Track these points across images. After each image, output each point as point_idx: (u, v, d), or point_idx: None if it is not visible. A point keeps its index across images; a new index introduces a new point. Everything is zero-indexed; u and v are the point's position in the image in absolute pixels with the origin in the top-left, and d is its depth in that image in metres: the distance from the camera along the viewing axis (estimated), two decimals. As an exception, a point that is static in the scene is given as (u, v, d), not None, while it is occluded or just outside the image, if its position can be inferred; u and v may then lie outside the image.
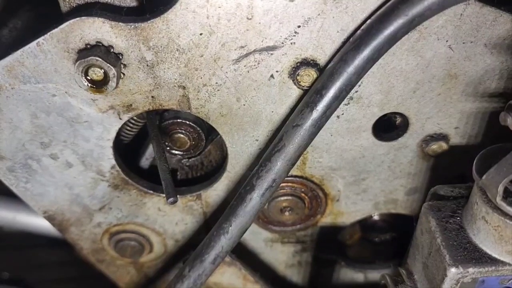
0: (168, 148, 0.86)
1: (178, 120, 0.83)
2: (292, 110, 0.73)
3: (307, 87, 0.71)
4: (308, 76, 0.70)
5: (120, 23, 0.65)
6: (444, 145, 0.80)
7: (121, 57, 0.68)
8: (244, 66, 0.70)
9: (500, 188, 0.58)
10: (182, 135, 0.84)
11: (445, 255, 0.64)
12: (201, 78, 0.71)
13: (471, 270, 0.63)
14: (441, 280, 0.65)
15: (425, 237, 0.70)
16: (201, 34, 0.66)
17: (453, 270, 0.63)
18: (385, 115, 0.77)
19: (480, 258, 0.64)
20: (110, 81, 0.67)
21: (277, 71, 0.70)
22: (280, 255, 1.00)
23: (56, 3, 0.70)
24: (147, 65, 0.69)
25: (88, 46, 0.66)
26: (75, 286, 1.26)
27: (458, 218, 0.68)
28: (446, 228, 0.67)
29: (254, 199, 0.70)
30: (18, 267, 1.23)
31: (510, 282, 0.65)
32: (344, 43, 0.67)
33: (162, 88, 0.71)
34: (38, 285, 1.19)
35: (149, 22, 0.65)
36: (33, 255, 1.28)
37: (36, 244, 1.23)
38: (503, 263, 0.63)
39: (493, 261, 0.64)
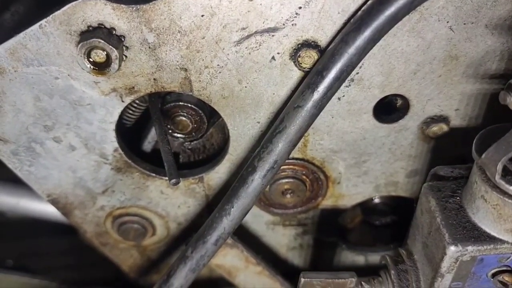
0: (170, 131, 0.87)
1: (180, 103, 0.83)
2: (294, 91, 0.74)
3: (308, 68, 0.71)
4: (309, 58, 0.70)
5: (122, 5, 0.65)
6: (444, 127, 0.80)
7: (123, 39, 0.68)
8: (246, 48, 0.70)
9: (499, 167, 0.59)
10: (184, 118, 0.84)
11: (445, 233, 0.65)
12: (203, 60, 0.71)
13: (470, 248, 0.64)
14: (440, 259, 0.66)
15: (425, 217, 0.71)
16: (202, 15, 0.66)
17: (452, 248, 0.64)
18: (386, 97, 0.77)
19: (479, 236, 0.65)
20: (113, 63, 0.67)
21: (278, 53, 0.71)
22: (282, 238, 1.01)
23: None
24: (149, 47, 0.69)
25: (90, 28, 0.66)
26: (78, 273, 1.27)
27: (458, 198, 0.69)
28: (446, 207, 0.68)
29: (256, 181, 0.71)
30: (21, 254, 1.24)
31: (508, 260, 0.66)
32: (345, 24, 0.67)
33: (164, 70, 0.72)
34: (41, 272, 1.21)
35: (151, 4, 0.65)
36: (37, 242, 1.29)
37: (40, 231, 1.24)
38: (502, 241, 0.64)
39: (491, 239, 0.64)
